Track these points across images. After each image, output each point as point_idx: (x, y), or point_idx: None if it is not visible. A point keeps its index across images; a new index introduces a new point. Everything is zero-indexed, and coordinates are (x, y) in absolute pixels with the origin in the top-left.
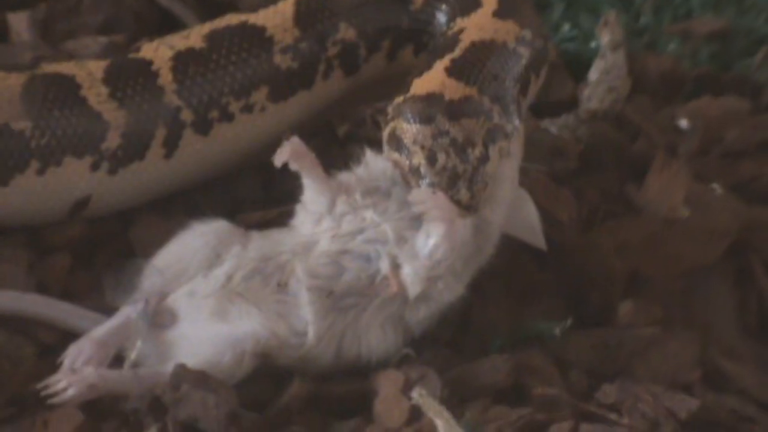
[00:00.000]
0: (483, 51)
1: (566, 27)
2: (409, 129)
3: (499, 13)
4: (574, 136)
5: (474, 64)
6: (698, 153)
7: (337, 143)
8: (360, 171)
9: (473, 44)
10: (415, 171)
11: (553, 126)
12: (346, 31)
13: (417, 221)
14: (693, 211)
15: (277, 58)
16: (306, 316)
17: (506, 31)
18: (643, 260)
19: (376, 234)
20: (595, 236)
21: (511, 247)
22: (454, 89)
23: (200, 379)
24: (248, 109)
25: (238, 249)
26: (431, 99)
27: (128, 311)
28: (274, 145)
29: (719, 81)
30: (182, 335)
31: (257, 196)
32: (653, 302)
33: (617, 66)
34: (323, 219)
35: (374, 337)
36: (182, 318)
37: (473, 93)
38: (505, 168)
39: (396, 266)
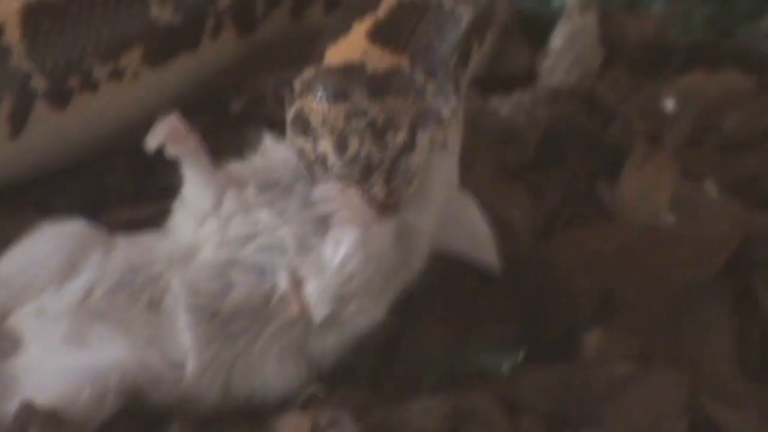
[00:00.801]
0: (413, 11)
1: None
2: (319, 108)
3: None
4: (530, 119)
5: (403, 28)
6: (688, 143)
7: (230, 123)
8: (256, 160)
9: (401, 4)
10: (321, 159)
11: (504, 106)
12: None
13: (324, 225)
14: (680, 217)
15: (155, 10)
16: (184, 344)
17: None
18: (617, 278)
19: (273, 240)
20: (556, 246)
21: (448, 258)
22: (379, 58)
23: (52, 421)
24: (117, 75)
25: (100, 256)
26: (349, 71)
27: None
28: (149, 122)
29: (717, 51)
30: (28, 365)
31: (128, 188)
32: (629, 331)
33: (587, 30)
34: (207, 220)
35: (270, 371)
36: (28, 343)
37: (403, 63)
38: (438, 161)
39: (297, 281)
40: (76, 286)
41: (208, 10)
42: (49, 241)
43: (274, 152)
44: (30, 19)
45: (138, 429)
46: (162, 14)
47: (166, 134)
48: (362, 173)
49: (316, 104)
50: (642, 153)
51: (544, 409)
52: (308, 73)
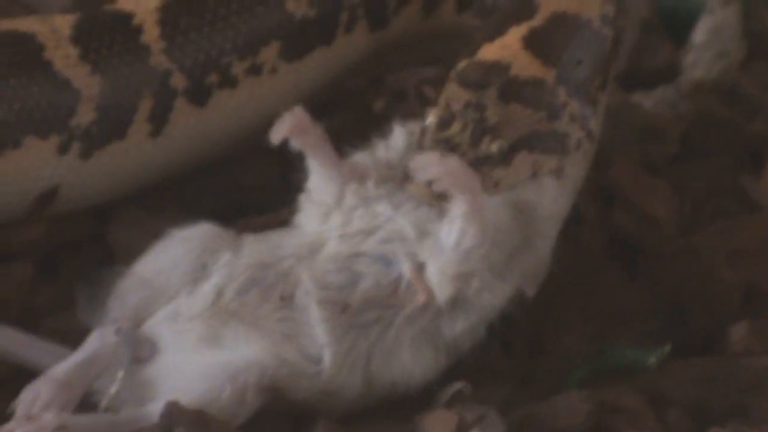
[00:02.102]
0: (566, 26)
1: None
2: (451, 88)
3: None
4: (674, 113)
5: (556, 41)
6: None
7: (373, 121)
8: (380, 150)
9: (555, 15)
10: (423, 127)
11: (647, 100)
12: None
13: (441, 210)
14: None
15: (291, 5)
16: (320, 337)
17: (590, 3)
18: (763, 270)
19: (393, 231)
20: (701, 240)
21: (591, 254)
22: (526, 64)
23: (198, 420)
24: (255, 70)
25: (229, 257)
26: (494, 67)
27: (98, 339)
28: None
29: None
30: (165, 370)
31: (269, 184)
32: None
33: (729, 25)
34: (332, 213)
35: (408, 358)
36: (164, 348)
37: (548, 77)
38: (554, 193)
39: (419, 267)
40: (208, 287)
41: (342, 4)
42: (179, 246)
43: (397, 141)
44: (168, 17)
45: (283, 426)
46: (298, 8)
47: (291, 127)
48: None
49: (455, 87)
50: None
51: (689, 403)
52: (461, 64)
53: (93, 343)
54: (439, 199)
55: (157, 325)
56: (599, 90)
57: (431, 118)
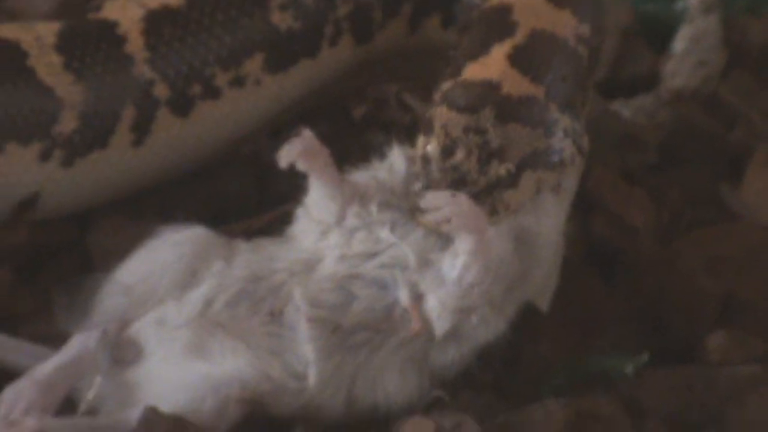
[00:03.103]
0: (547, 43)
1: None
2: (446, 114)
3: None
4: (653, 121)
5: (541, 58)
6: None
7: (352, 129)
8: (381, 172)
9: (534, 33)
10: (425, 158)
11: (626, 109)
12: None
13: (445, 241)
14: None
15: (276, 17)
16: (306, 355)
17: (564, 23)
18: (741, 279)
19: (394, 257)
20: (679, 248)
21: (569, 262)
22: (517, 83)
23: (176, 427)
24: (239, 82)
25: (221, 265)
26: (486, 87)
27: (81, 342)
28: (269, 128)
29: None
30: (149, 375)
31: (249, 194)
32: (753, 333)
33: (709, 33)
34: (330, 232)
35: (392, 383)
36: (149, 353)
37: (538, 94)
38: (551, 213)
39: (418, 297)
40: (197, 296)
41: (327, 17)
42: (170, 248)
43: (400, 166)
44: (152, 26)
45: None
46: (283, 20)
47: (300, 151)
48: (452, 185)
49: (446, 111)
50: (765, 155)
51: (667, 412)
52: (447, 84)
53: (75, 345)
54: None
55: (144, 329)
56: (581, 107)
57: (432, 147)
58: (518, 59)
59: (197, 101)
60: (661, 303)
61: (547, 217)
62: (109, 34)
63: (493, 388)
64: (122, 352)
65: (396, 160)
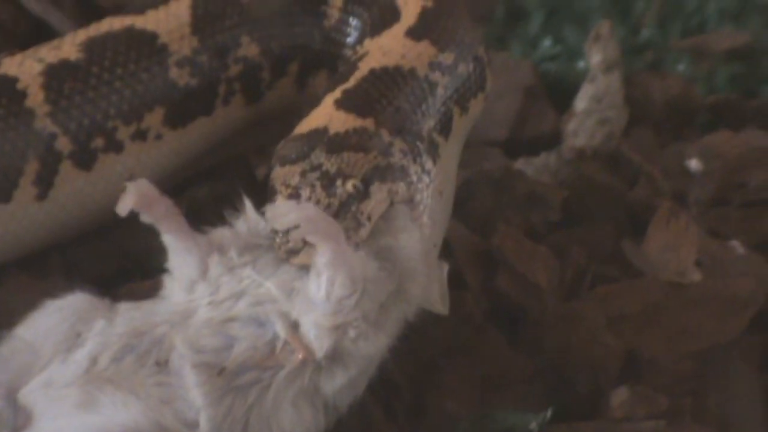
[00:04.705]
0: (383, 79)
1: (547, 42)
2: (281, 172)
3: (414, 32)
4: (556, 180)
5: (369, 94)
6: (713, 202)
7: (256, 187)
8: (239, 225)
9: (372, 72)
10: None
11: (529, 167)
12: (248, 47)
13: (305, 269)
14: (706, 275)
15: (174, 72)
16: (196, 401)
17: (416, 55)
18: (644, 336)
19: (261, 294)
20: (582, 306)
21: (473, 319)
22: (342, 121)
23: None
24: (141, 136)
25: (102, 324)
26: (311, 135)
27: None
28: (171, 183)
29: (741, 111)
30: None
31: (155, 249)
32: (656, 389)
33: (611, 92)
34: (196, 285)
35: (287, 419)
36: (39, 415)
37: (367, 125)
38: (406, 226)
39: (293, 325)
40: (82, 355)
41: (219, 77)
42: (52, 315)
43: (255, 218)
44: (52, 80)
45: None
46: (181, 77)
47: (136, 199)
48: None
49: (279, 170)
50: (667, 212)
51: None
52: (279, 146)
53: None
54: (297, 255)
55: (31, 394)
56: (440, 131)
57: (279, 202)
58: (345, 102)
59: (100, 154)
60: (565, 359)
61: (403, 232)
62: (9, 88)
63: None
64: (13, 419)
65: (249, 212)
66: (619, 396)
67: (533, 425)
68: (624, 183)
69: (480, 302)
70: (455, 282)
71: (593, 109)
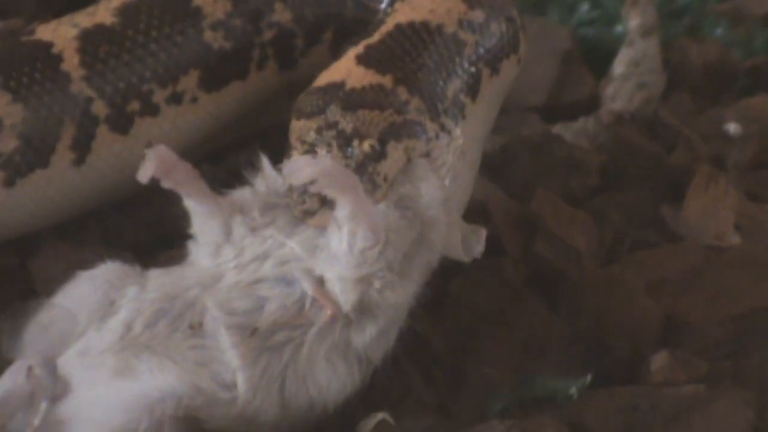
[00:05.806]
0: (407, 35)
1: (584, 6)
2: (297, 126)
3: None
4: (594, 144)
5: (391, 50)
6: (751, 166)
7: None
8: (258, 184)
9: (397, 27)
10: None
11: (567, 132)
12: (282, 13)
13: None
14: (745, 239)
15: (208, 35)
16: (232, 362)
17: (446, 11)
18: (683, 300)
19: (285, 253)
20: (621, 270)
21: (512, 285)
22: (360, 77)
23: None
24: (176, 99)
25: (135, 291)
26: (329, 89)
27: (10, 379)
28: (209, 147)
29: None
30: (81, 405)
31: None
32: (696, 353)
33: (649, 56)
34: (222, 248)
35: (322, 375)
36: (77, 384)
37: (385, 81)
38: (426, 175)
39: (319, 281)
40: (116, 322)
41: (254, 41)
42: (84, 284)
43: (273, 176)
44: (87, 45)
45: None
46: (215, 40)
47: (156, 165)
48: None
49: (295, 123)
50: (705, 176)
51: None
52: (298, 98)
53: (5, 382)
54: (313, 217)
55: (68, 363)
56: (464, 94)
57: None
58: (366, 57)
59: (136, 118)
60: (604, 325)
61: (422, 181)
62: (45, 53)
63: (437, 409)
64: (51, 388)
65: (267, 170)
66: (659, 361)
67: (573, 390)
68: (662, 147)
69: (519, 268)
70: (494, 248)
71: (631, 73)
